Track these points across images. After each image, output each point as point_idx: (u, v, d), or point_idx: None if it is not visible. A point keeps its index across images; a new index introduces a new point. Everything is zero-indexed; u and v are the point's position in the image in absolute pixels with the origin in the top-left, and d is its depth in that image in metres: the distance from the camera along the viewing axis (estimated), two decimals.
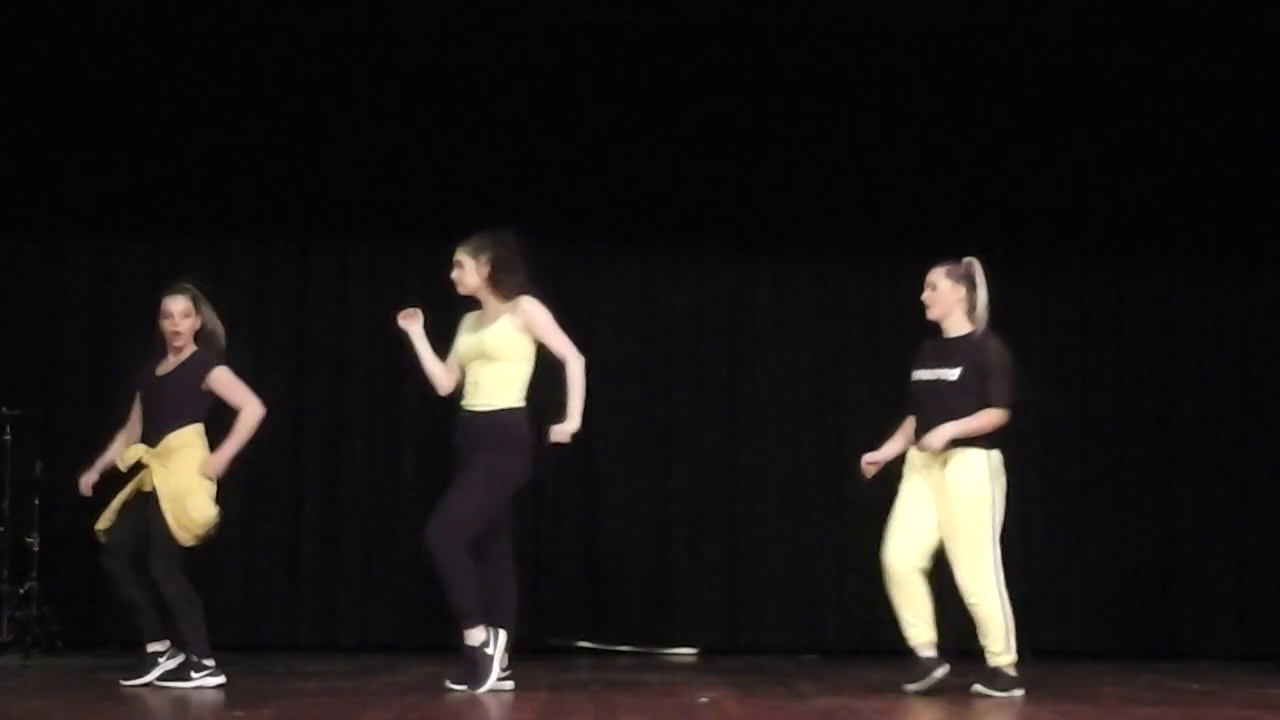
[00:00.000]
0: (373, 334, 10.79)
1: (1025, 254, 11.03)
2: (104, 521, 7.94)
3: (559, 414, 7.59)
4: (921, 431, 7.71)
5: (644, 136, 10.95)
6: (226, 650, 9.99)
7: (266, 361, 10.85)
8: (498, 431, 7.48)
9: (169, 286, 8.13)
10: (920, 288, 7.94)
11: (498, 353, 7.53)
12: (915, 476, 7.78)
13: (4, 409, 9.75)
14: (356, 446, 10.85)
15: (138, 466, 7.90)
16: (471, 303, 7.79)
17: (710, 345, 11.05)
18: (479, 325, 7.65)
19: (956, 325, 7.81)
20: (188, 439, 7.88)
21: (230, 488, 10.67)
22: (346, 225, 10.90)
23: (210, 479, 7.90)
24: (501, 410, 7.51)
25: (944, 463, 7.65)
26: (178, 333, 7.97)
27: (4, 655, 9.31)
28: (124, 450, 7.96)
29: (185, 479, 7.81)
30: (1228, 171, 11.02)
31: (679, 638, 10.74)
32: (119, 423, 8.17)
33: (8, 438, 9.76)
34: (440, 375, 7.77)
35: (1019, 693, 7.64)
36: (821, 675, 8.90)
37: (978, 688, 7.67)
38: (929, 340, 7.91)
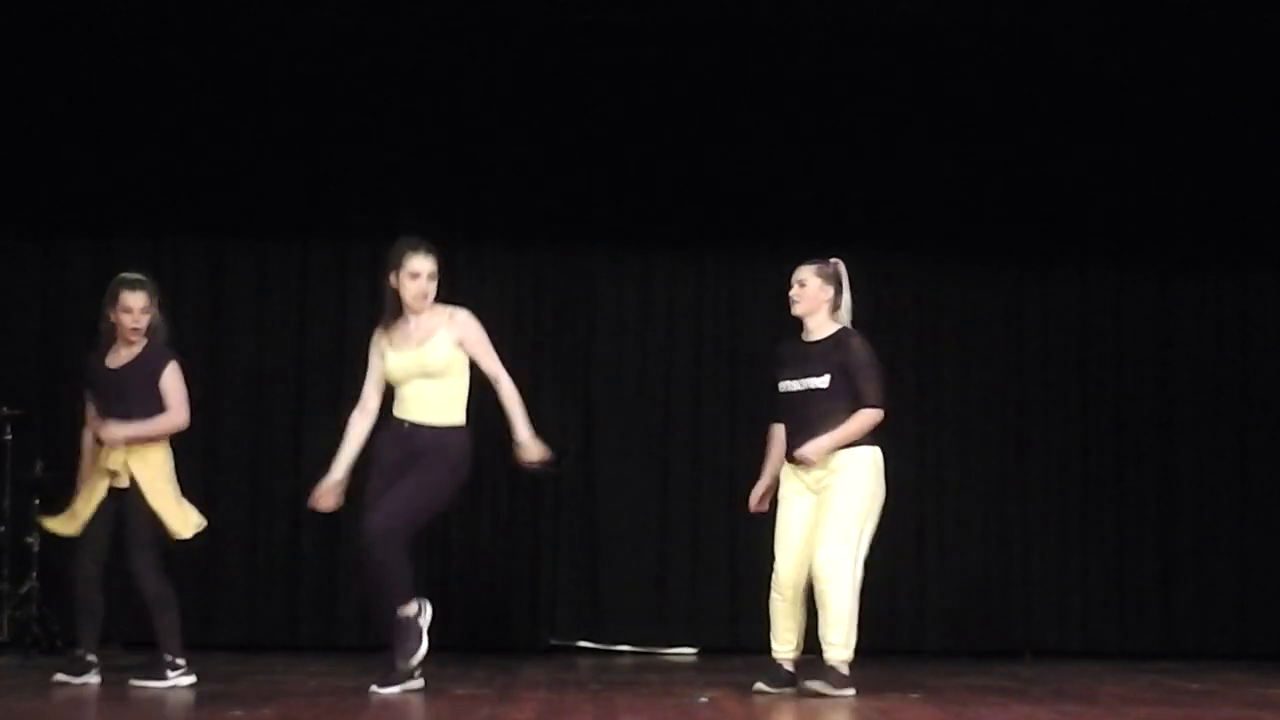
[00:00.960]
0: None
1: (1024, 253, 11.04)
2: (74, 524, 7.75)
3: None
4: (794, 440, 7.55)
5: (644, 136, 10.95)
6: (227, 650, 10.03)
7: (266, 361, 10.87)
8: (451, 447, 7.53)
9: (124, 279, 7.95)
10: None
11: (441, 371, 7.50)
12: (793, 481, 7.61)
13: (4, 409, 9.74)
14: None
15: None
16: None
17: (710, 345, 11.05)
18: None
19: (819, 326, 7.70)
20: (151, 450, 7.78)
21: (230, 488, 10.75)
22: (346, 225, 10.89)
23: (104, 441, 7.70)
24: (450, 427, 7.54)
25: (825, 465, 7.51)
26: (137, 329, 7.83)
27: (4, 655, 9.30)
28: (98, 451, 7.79)
29: (163, 473, 7.76)
30: (1227, 172, 11.02)
31: (679, 638, 10.75)
32: (80, 424, 7.97)
33: (8, 438, 9.76)
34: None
35: (851, 691, 7.49)
36: (821, 675, 8.88)
37: (813, 685, 7.47)
38: (786, 345, 7.76)
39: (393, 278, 7.45)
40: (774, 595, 7.68)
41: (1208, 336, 11.12)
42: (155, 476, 7.74)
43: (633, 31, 10.53)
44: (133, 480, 7.69)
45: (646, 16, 10.39)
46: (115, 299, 7.89)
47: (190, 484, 10.65)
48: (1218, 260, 11.14)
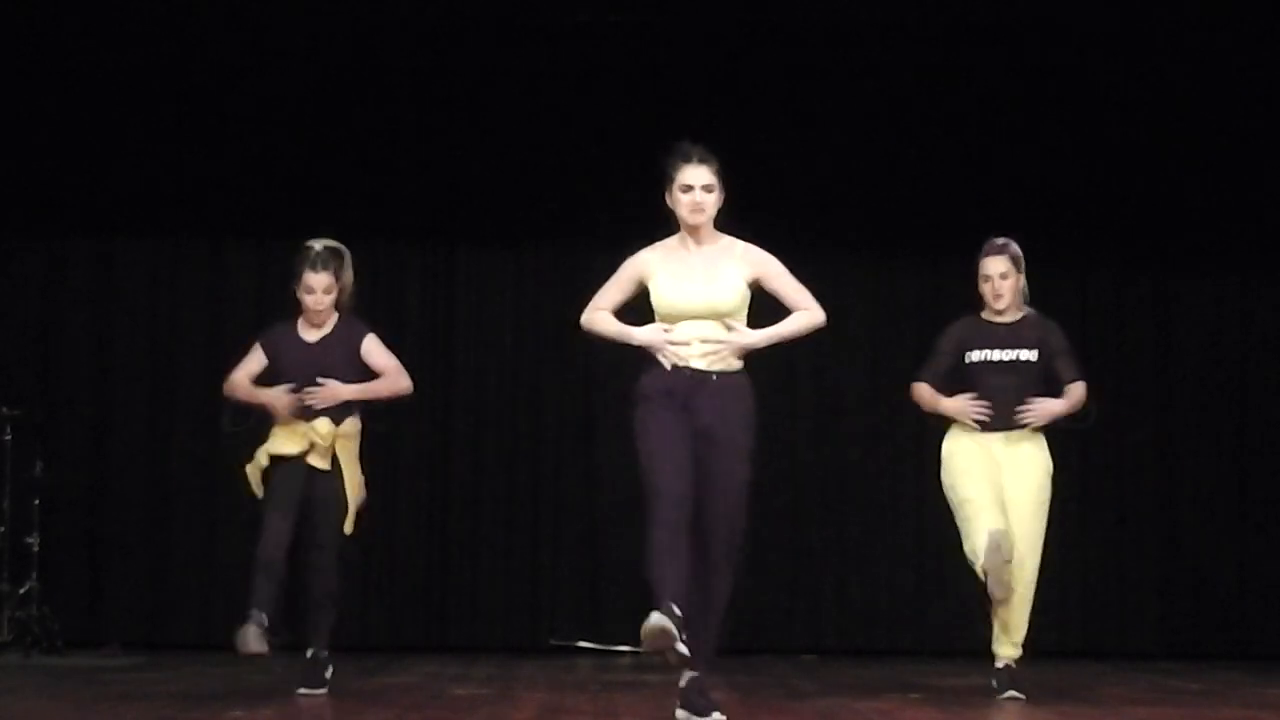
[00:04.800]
0: None
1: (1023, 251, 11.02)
2: (256, 476, 7.37)
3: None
4: (1002, 408, 7.59)
5: (642, 137, 10.92)
6: (227, 650, 10.02)
7: None
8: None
9: (310, 254, 7.66)
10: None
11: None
12: (979, 448, 7.65)
13: (4, 409, 9.75)
14: None
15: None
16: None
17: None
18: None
19: (1013, 310, 7.75)
20: (354, 425, 7.51)
21: (229, 487, 10.75)
22: (345, 225, 10.88)
23: (315, 404, 7.38)
24: None
25: (1016, 442, 7.64)
26: (320, 310, 7.55)
27: (4, 655, 9.31)
28: (289, 401, 7.36)
29: (357, 461, 7.49)
30: (1226, 171, 11.02)
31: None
32: (229, 370, 7.63)
33: (8, 438, 9.76)
34: None
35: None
36: (821, 675, 8.90)
37: (1013, 694, 7.52)
38: (969, 323, 7.76)
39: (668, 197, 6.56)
40: (1000, 581, 7.46)
41: (1207, 335, 11.11)
42: (353, 461, 7.48)
43: (633, 31, 10.53)
44: (334, 463, 7.40)
45: (647, 16, 10.39)
46: (299, 276, 7.63)
47: (190, 483, 10.76)
48: (1219, 260, 11.13)
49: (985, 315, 7.74)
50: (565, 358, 10.95)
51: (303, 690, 7.37)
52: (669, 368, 6.21)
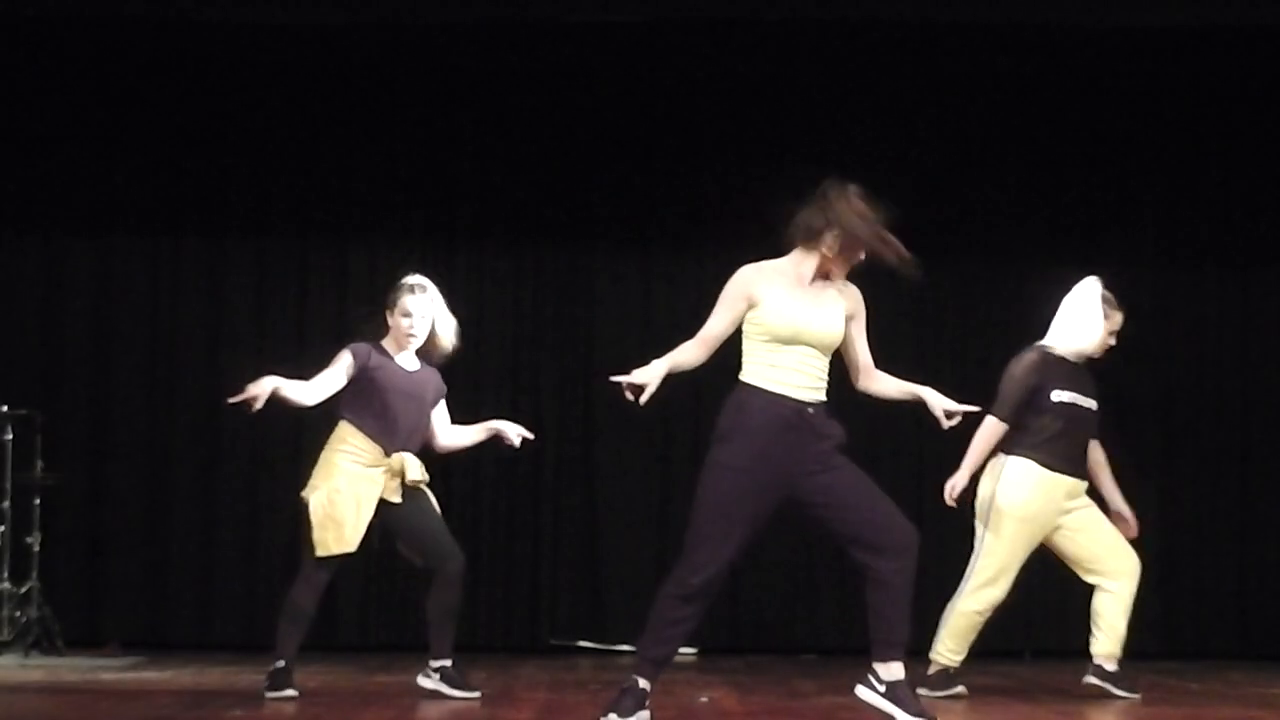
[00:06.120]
0: None
1: (1024, 252, 11.03)
2: (347, 539, 7.34)
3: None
4: (1078, 455, 7.75)
5: (643, 137, 10.95)
6: (227, 650, 10.03)
7: (266, 361, 10.86)
8: None
9: (407, 284, 7.56)
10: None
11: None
12: (1063, 496, 7.76)
13: (4, 409, 9.75)
14: None
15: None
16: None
17: None
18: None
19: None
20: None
21: (230, 487, 10.76)
22: (346, 225, 10.90)
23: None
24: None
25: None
26: (414, 336, 7.48)
27: (4, 655, 9.31)
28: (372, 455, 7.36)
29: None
30: (1224, 170, 11.02)
31: None
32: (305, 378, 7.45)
33: (8, 438, 9.76)
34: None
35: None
36: (821, 675, 8.90)
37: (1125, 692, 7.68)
38: (1053, 358, 7.79)
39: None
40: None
41: (1208, 334, 11.11)
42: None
43: (632, 31, 10.52)
44: (416, 487, 7.44)
45: (646, 16, 10.39)
46: (397, 303, 7.52)
47: (190, 483, 10.76)
48: (1219, 258, 11.13)
49: (1063, 354, 7.75)
50: (565, 357, 10.95)
51: (449, 692, 7.40)
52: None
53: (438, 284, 7.70)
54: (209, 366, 10.69)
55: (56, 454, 9.95)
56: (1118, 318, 7.83)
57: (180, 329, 10.85)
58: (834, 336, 6.13)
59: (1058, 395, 7.63)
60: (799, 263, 6.19)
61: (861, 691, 6.13)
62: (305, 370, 11.02)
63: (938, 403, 6.17)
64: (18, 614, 9.52)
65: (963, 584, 7.74)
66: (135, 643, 10.26)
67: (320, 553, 7.30)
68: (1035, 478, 7.60)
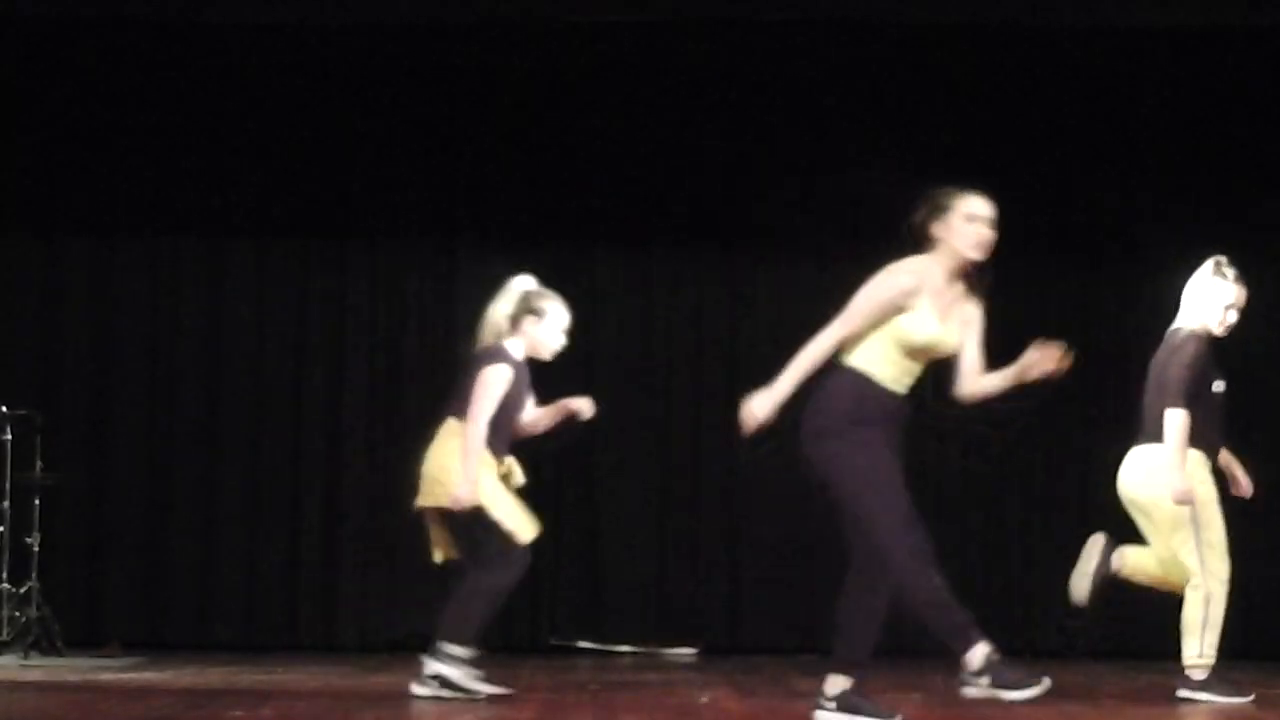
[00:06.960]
0: (373, 334, 10.80)
1: (1025, 251, 11.02)
2: (530, 524, 7.53)
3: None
4: (1214, 445, 7.82)
5: (643, 136, 10.95)
6: (227, 650, 10.03)
7: (266, 361, 10.87)
8: None
9: (549, 292, 7.74)
10: None
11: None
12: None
13: (4, 409, 9.75)
14: (357, 446, 10.84)
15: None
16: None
17: (710, 345, 11.05)
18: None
19: None
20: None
21: (230, 487, 10.76)
22: (346, 225, 10.90)
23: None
24: None
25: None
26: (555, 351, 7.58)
27: (4, 655, 9.31)
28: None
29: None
30: (1223, 170, 11.03)
31: (679, 638, 10.74)
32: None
33: (8, 438, 9.76)
34: None
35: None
36: (821, 675, 8.87)
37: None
38: (1205, 345, 7.77)
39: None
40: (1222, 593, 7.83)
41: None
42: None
43: (632, 31, 10.53)
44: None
45: (646, 16, 10.39)
46: (543, 312, 7.67)
47: (190, 483, 10.76)
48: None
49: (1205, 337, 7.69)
50: (565, 357, 10.93)
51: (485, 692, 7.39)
52: None
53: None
54: (209, 367, 10.70)
55: (56, 454, 9.94)
56: (1241, 293, 7.73)
57: (180, 329, 10.85)
58: (953, 352, 6.09)
59: (1217, 386, 7.69)
60: (933, 269, 6.04)
61: (969, 691, 6.22)
62: (303, 370, 11.00)
63: (1027, 360, 6.10)
64: (17, 614, 9.52)
65: (1192, 579, 7.78)
66: (135, 643, 10.26)
67: (526, 538, 7.43)
68: (1196, 463, 7.79)
